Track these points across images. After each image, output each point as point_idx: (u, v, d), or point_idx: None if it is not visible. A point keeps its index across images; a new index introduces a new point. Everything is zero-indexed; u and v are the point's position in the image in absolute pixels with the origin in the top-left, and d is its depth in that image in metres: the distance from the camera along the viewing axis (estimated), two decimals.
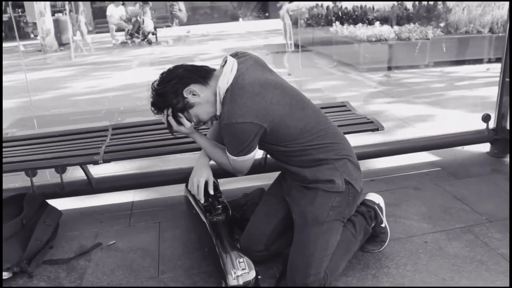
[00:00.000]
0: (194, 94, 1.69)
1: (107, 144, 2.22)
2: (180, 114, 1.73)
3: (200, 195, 1.84)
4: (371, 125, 2.30)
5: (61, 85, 6.86)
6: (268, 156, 2.32)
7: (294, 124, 1.66)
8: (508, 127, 2.91)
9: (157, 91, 1.72)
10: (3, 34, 13.66)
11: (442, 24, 7.28)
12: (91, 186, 2.43)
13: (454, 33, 7.12)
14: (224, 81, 1.65)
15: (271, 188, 1.99)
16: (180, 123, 1.76)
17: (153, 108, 1.76)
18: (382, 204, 2.05)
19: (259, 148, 1.74)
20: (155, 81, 1.74)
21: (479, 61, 6.94)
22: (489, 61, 6.91)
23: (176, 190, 2.60)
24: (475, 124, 3.04)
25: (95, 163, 2.05)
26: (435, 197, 2.47)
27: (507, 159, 2.92)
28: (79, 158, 2.09)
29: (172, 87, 1.68)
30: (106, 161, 2.05)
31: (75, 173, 2.76)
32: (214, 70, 1.76)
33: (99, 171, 2.50)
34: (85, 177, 2.41)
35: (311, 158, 1.71)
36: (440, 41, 6.87)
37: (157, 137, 2.30)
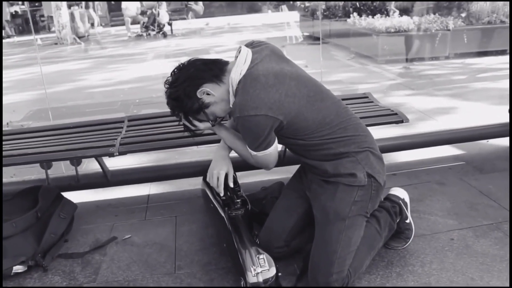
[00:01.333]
0: (208, 94, 1.63)
1: (122, 136, 2.17)
2: (193, 116, 1.70)
3: (220, 188, 1.79)
4: (395, 117, 2.21)
5: (77, 78, 6.88)
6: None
7: (313, 116, 1.59)
8: None
9: (170, 95, 1.67)
10: (20, 28, 13.82)
11: (463, 15, 7.09)
12: (106, 179, 2.39)
13: (476, 24, 6.92)
14: (237, 72, 1.58)
15: (291, 182, 1.92)
16: (193, 125, 1.73)
17: (171, 112, 1.73)
18: (407, 199, 1.97)
19: (278, 142, 1.67)
20: (167, 78, 1.68)
21: (502, 53, 6.73)
22: None
23: (192, 183, 2.56)
24: (499, 116, 2.94)
25: (111, 155, 2.00)
26: (460, 192, 2.38)
27: None
28: (94, 150, 2.05)
29: (185, 90, 1.63)
30: (122, 153, 2.00)
31: (90, 166, 2.73)
32: (227, 64, 1.68)
33: (114, 163, 2.46)
34: (101, 170, 2.37)
35: (331, 152, 1.64)
36: (461, 32, 6.70)
37: (174, 129, 2.24)
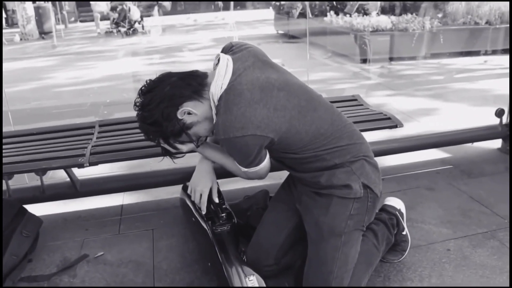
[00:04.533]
0: (189, 114, 1.43)
1: (93, 144, 1.98)
2: (174, 140, 1.50)
3: (203, 206, 1.62)
4: (389, 121, 2.09)
5: (43, 76, 6.56)
6: None
7: (306, 128, 1.43)
8: None
9: (145, 119, 1.44)
10: None
11: (440, 15, 7.13)
12: (75, 189, 2.19)
13: (452, 24, 6.97)
14: (217, 86, 1.39)
15: (279, 193, 1.77)
16: (175, 148, 1.53)
17: (145, 137, 1.51)
18: (403, 210, 1.87)
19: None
20: (136, 100, 1.46)
21: (475, 53, 6.83)
22: (486, 53, 6.81)
23: (170, 192, 2.39)
24: (481, 117, 2.91)
25: (80, 166, 1.80)
26: (451, 198, 2.30)
27: None
28: (62, 161, 1.84)
29: (163, 113, 1.40)
30: (92, 164, 1.81)
31: (57, 174, 2.51)
32: (206, 76, 1.47)
33: (84, 172, 2.25)
34: (69, 179, 2.17)
35: (325, 164, 1.49)
36: (437, 32, 6.73)
37: None
